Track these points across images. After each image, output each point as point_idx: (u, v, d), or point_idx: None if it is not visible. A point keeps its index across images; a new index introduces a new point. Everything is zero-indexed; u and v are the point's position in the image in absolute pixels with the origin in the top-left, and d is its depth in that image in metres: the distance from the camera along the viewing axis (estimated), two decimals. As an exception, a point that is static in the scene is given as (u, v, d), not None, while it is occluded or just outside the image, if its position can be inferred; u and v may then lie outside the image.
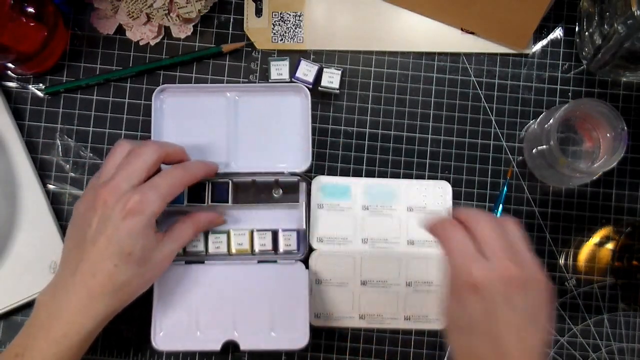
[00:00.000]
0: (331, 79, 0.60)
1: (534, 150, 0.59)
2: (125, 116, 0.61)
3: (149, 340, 0.56)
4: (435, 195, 0.60)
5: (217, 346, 0.57)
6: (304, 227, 0.59)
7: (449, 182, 0.61)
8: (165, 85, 0.59)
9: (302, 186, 0.59)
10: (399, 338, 0.60)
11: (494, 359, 0.42)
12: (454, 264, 0.44)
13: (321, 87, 0.60)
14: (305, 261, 0.59)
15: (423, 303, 0.59)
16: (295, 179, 0.59)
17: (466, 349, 0.45)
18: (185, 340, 0.57)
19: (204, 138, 0.59)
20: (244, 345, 0.57)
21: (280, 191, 0.59)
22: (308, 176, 0.59)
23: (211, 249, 0.58)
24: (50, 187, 0.60)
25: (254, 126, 0.59)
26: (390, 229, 0.60)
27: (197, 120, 0.59)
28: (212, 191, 0.58)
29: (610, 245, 0.61)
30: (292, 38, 0.61)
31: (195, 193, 0.58)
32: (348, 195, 0.60)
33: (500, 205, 0.60)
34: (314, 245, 0.59)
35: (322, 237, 0.59)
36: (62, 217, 0.60)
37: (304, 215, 0.59)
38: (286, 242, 0.58)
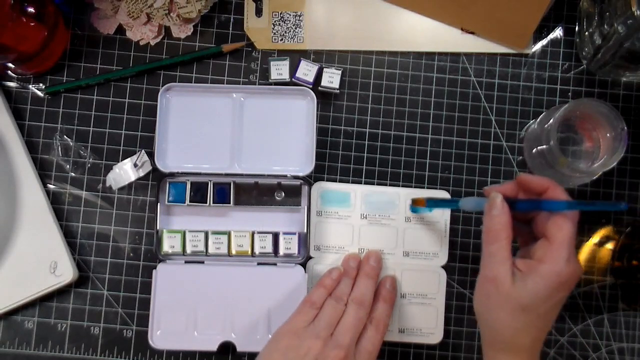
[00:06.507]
0: (331, 78, 0.60)
1: (534, 150, 0.59)
2: (125, 116, 0.61)
3: (147, 339, 0.56)
4: None
5: (213, 347, 0.57)
6: (305, 230, 0.59)
7: (449, 181, 0.61)
8: (171, 84, 0.59)
9: (305, 190, 0.59)
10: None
11: None
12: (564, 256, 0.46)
13: (321, 87, 0.60)
14: (305, 265, 0.59)
15: (417, 316, 0.59)
16: (297, 182, 0.59)
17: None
18: (182, 340, 0.57)
19: (208, 138, 0.59)
20: (240, 347, 0.57)
21: (283, 194, 0.59)
22: (309, 176, 0.59)
23: (211, 250, 0.58)
24: (50, 187, 0.60)
25: (259, 128, 0.59)
26: (387, 240, 0.59)
27: (201, 120, 0.59)
28: (214, 192, 0.58)
29: (610, 245, 0.61)
30: (292, 38, 0.61)
31: (198, 194, 0.58)
32: (348, 202, 0.60)
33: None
34: (311, 252, 0.59)
35: (320, 246, 0.59)
36: (62, 217, 0.60)
37: (305, 219, 0.59)
38: (286, 245, 0.58)
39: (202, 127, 0.59)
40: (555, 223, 0.47)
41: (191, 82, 0.61)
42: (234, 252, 0.58)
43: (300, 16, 0.62)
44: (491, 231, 0.48)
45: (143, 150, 0.59)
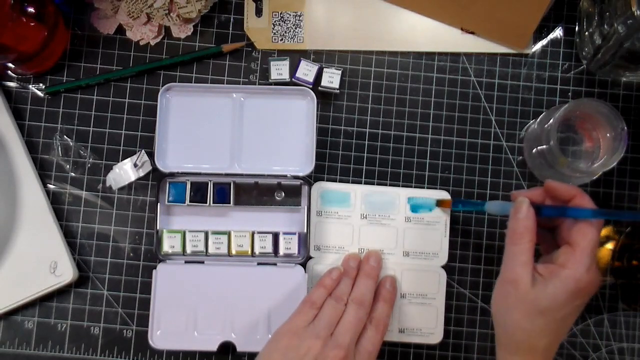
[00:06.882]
0: (331, 79, 0.60)
1: (534, 150, 0.59)
2: (125, 116, 0.61)
3: (147, 339, 0.56)
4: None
5: (213, 347, 0.57)
6: (305, 230, 0.59)
7: (449, 181, 0.61)
8: (171, 84, 0.59)
9: (305, 190, 0.59)
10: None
11: None
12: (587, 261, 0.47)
13: (321, 87, 0.60)
14: (305, 265, 0.59)
15: (417, 316, 0.59)
16: (297, 182, 0.59)
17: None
18: (182, 340, 0.57)
19: (208, 138, 0.59)
20: (240, 347, 0.57)
21: (283, 194, 0.59)
22: (309, 176, 0.59)
23: (211, 250, 0.58)
24: (50, 187, 0.60)
25: (259, 128, 0.59)
26: (387, 240, 0.59)
27: (201, 120, 0.59)
28: (214, 192, 0.58)
29: (610, 245, 0.61)
30: (292, 38, 0.61)
31: (198, 194, 0.58)
32: (348, 202, 0.60)
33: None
34: (311, 252, 0.59)
35: (319, 246, 0.59)
36: (62, 217, 0.60)
37: (305, 219, 0.59)
38: (286, 245, 0.58)
39: (202, 127, 0.59)
40: (579, 230, 0.47)
41: (191, 82, 0.61)
42: (234, 252, 0.58)
43: (300, 16, 0.62)
44: (515, 233, 0.49)
45: (143, 150, 0.59)
